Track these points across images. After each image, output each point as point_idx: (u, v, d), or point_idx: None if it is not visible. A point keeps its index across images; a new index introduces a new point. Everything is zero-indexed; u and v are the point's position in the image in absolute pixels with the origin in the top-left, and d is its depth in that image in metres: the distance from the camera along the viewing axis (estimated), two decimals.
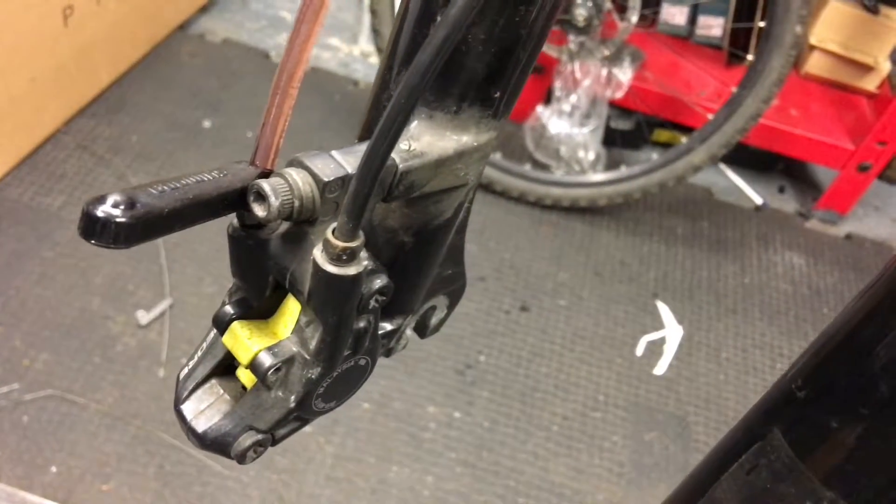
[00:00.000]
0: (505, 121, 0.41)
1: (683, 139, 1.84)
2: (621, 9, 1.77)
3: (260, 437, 0.42)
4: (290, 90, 0.35)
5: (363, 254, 0.36)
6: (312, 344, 0.39)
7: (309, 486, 1.29)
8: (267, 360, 0.39)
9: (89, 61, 1.81)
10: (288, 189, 0.35)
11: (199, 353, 0.43)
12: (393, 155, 0.36)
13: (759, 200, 2.08)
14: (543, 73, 1.91)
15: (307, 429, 1.35)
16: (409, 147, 0.38)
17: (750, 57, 1.92)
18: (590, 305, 1.70)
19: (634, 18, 1.76)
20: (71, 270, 1.51)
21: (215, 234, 1.64)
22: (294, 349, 0.40)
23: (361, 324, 0.40)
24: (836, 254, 1.97)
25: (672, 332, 1.68)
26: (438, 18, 0.36)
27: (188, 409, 0.42)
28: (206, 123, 1.90)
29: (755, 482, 0.34)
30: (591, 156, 1.92)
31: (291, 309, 0.40)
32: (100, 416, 1.32)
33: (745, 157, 2.12)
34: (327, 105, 2.05)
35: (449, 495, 1.33)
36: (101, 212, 0.31)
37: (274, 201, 0.34)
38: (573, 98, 1.89)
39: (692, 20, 2.08)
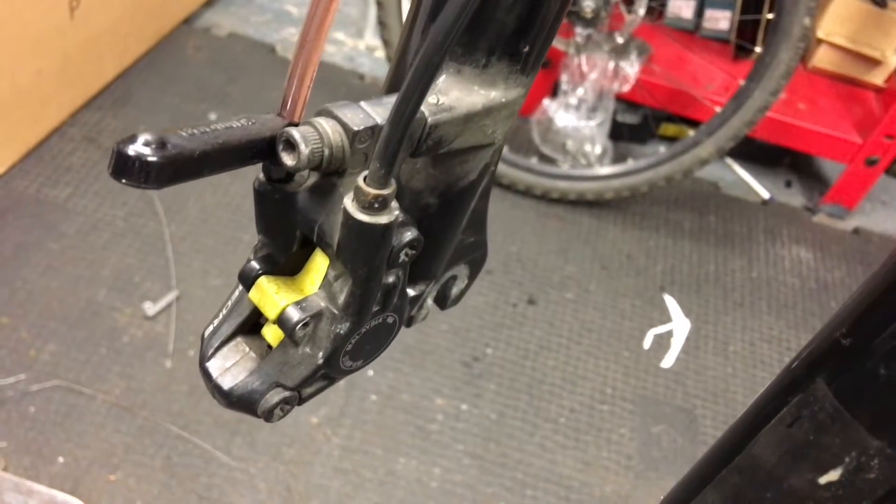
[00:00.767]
0: (533, 78, 0.40)
1: (691, 132, 1.84)
2: (629, 1, 1.77)
3: (287, 394, 0.41)
4: (318, 41, 0.35)
5: (394, 204, 0.35)
6: (341, 298, 0.39)
7: (316, 478, 1.29)
8: (295, 314, 0.39)
9: (95, 54, 1.81)
10: (318, 137, 0.34)
11: (225, 310, 0.43)
12: (421, 108, 0.35)
13: (766, 195, 2.08)
14: (550, 67, 1.91)
15: (314, 420, 1.35)
16: (438, 101, 0.37)
17: (758, 49, 1.91)
18: (597, 299, 1.69)
19: (642, 11, 1.76)
20: (77, 262, 1.51)
21: (222, 227, 1.63)
22: (322, 304, 0.39)
23: (390, 279, 0.39)
24: (843, 248, 1.97)
25: (679, 325, 1.67)
26: None
27: (214, 366, 0.42)
28: (212, 116, 1.90)
29: (797, 435, 0.33)
30: (598, 149, 1.91)
31: (318, 264, 0.40)
32: (107, 407, 1.32)
33: (752, 152, 2.11)
34: (333, 99, 2.02)
35: (456, 487, 1.32)
36: (132, 150, 0.30)
37: (304, 149, 0.34)
38: (580, 91, 1.88)
39: (699, 13, 2.07)
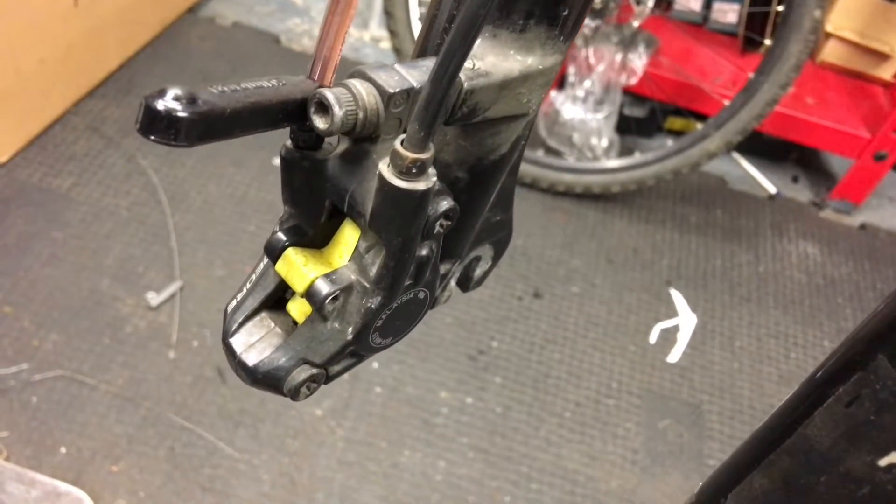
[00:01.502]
0: (569, 45, 0.39)
1: (698, 126, 1.82)
2: None
3: (314, 371, 0.40)
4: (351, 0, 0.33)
5: (432, 170, 0.33)
6: (373, 271, 0.37)
7: (321, 470, 1.28)
8: (324, 287, 0.37)
9: (99, 42, 1.80)
10: (352, 99, 0.33)
11: (249, 284, 0.41)
12: None
13: (772, 189, 2.06)
14: None
15: (318, 412, 1.34)
16: (474, 66, 0.35)
17: (767, 42, 1.90)
18: (603, 292, 1.68)
19: (650, 2, 1.74)
20: (80, 251, 1.50)
21: (227, 217, 1.62)
22: (353, 277, 0.38)
23: (424, 251, 0.38)
24: (850, 244, 1.95)
25: (686, 319, 1.66)
26: None
27: (237, 342, 0.40)
28: None
29: (856, 414, 0.31)
30: (605, 142, 1.90)
31: (348, 236, 0.38)
32: (109, 398, 1.31)
33: (759, 146, 2.10)
34: None
35: (461, 480, 1.31)
36: (161, 105, 0.29)
37: (338, 111, 0.32)
38: (587, 84, 1.87)
39: (707, 5, 2.06)
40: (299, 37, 2.17)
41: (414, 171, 0.32)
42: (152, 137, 0.29)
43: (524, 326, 1.57)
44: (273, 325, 0.41)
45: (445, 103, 0.33)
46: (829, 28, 2.03)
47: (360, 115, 0.33)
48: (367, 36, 2.25)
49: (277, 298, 0.41)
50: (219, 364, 1.38)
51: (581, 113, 1.87)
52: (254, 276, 0.41)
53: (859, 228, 2.01)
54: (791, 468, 0.35)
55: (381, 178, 0.33)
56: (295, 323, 0.41)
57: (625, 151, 1.96)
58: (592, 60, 1.83)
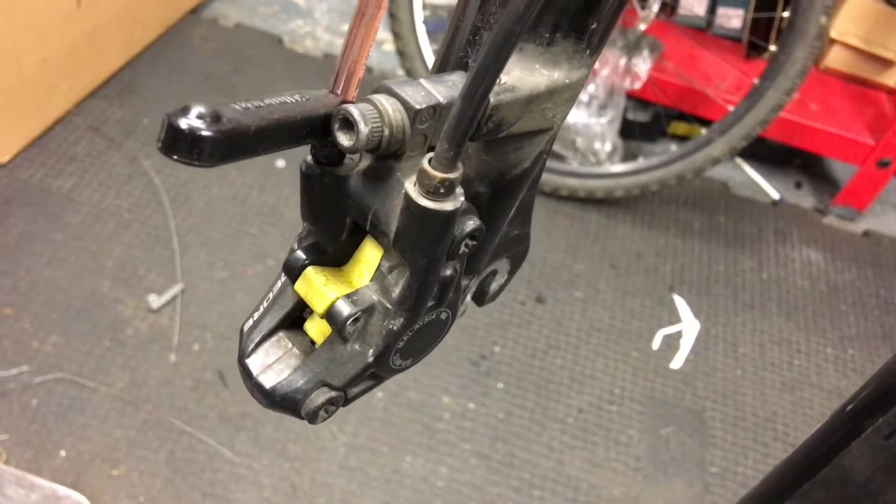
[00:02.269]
0: (597, 58, 0.38)
1: (702, 131, 1.82)
2: None
3: (333, 394, 0.38)
4: (378, 11, 0.32)
5: (459, 189, 0.32)
6: (396, 292, 0.36)
7: (322, 475, 1.27)
8: (346, 308, 0.36)
9: (102, 43, 1.79)
10: (377, 116, 0.32)
11: (266, 303, 0.40)
12: None
13: (775, 195, 2.06)
14: None
15: None
16: (500, 80, 0.34)
17: (771, 48, 1.89)
18: (606, 298, 1.67)
19: (655, 7, 1.74)
20: (81, 253, 1.49)
21: (229, 219, 1.61)
22: (374, 297, 0.37)
23: (448, 271, 0.37)
24: (853, 250, 1.95)
25: (689, 326, 1.66)
26: None
27: (254, 363, 0.39)
28: None
29: None
30: (608, 147, 1.89)
31: (369, 255, 0.37)
32: (110, 401, 1.30)
33: (762, 152, 2.09)
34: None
35: (463, 486, 1.30)
36: (185, 124, 0.28)
37: (363, 128, 0.31)
38: (591, 88, 1.86)
39: (712, 11, 2.05)
40: (302, 38, 2.16)
41: (442, 190, 0.32)
42: (175, 157, 0.28)
43: (527, 331, 1.56)
44: (290, 345, 0.40)
45: (475, 121, 0.32)
46: (833, 34, 2.02)
47: (386, 132, 0.32)
48: None
49: (295, 317, 0.40)
50: (220, 367, 1.37)
51: (585, 117, 1.87)
52: (271, 295, 0.40)
53: (862, 235, 2.00)
54: (826, 500, 0.34)
55: (408, 198, 0.32)
56: (313, 343, 0.40)
57: (628, 156, 1.95)
58: (596, 65, 1.82)
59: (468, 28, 0.36)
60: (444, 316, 0.40)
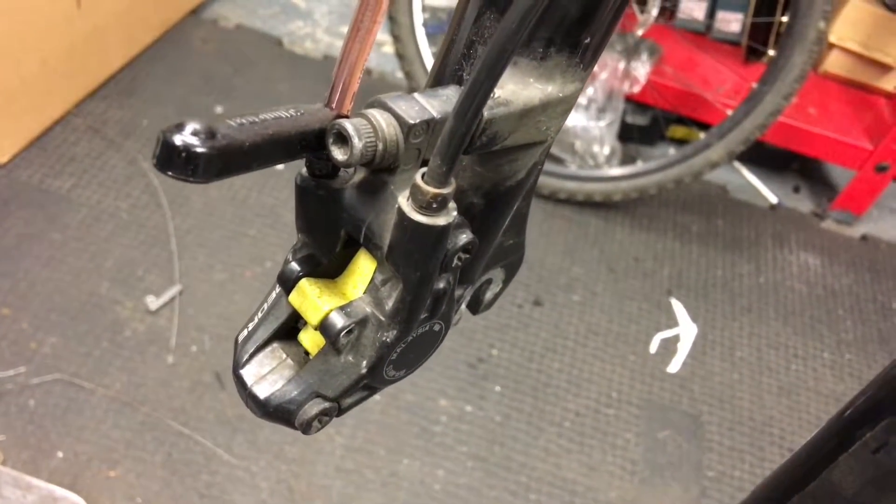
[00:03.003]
0: (590, 72, 0.38)
1: (701, 136, 1.82)
2: (642, 0, 1.75)
3: (326, 405, 0.39)
4: (373, 25, 0.33)
5: (452, 204, 0.33)
6: (389, 304, 0.36)
7: (319, 477, 1.27)
8: (339, 320, 0.36)
9: (101, 44, 1.79)
10: (371, 131, 0.32)
11: (260, 313, 0.40)
12: None
13: (774, 199, 2.06)
14: None
15: None
16: (494, 94, 0.35)
17: (770, 52, 1.89)
18: (603, 301, 1.68)
19: (655, 11, 1.74)
20: (80, 254, 1.49)
21: (227, 221, 1.62)
22: (368, 310, 0.37)
23: (441, 284, 0.37)
24: (851, 255, 1.95)
25: (686, 329, 1.66)
26: None
27: (248, 373, 0.40)
28: (218, 109, 1.88)
29: (884, 461, 0.31)
30: (607, 150, 1.89)
31: (362, 267, 0.38)
32: (107, 402, 1.30)
33: (760, 156, 2.09)
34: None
35: (460, 489, 1.31)
36: (179, 140, 0.28)
37: (357, 143, 0.32)
38: (589, 91, 1.86)
39: (711, 14, 2.05)
40: (301, 40, 2.16)
41: (435, 206, 0.32)
42: (170, 173, 0.29)
43: (524, 335, 1.57)
44: (285, 356, 0.40)
45: (468, 137, 0.33)
46: (832, 39, 2.02)
47: (380, 146, 0.32)
48: None
49: (290, 328, 0.41)
50: (217, 369, 1.37)
51: (583, 120, 1.87)
52: (265, 306, 0.40)
53: (860, 239, 2.01)
54: None
55: (401, 213, 0.33)
56: (307, 353, 0.40)
57: (627, 159, 1.96)
58: (595, 68, 1.83)
59: (463, 41, 0.37)
60: (437, 328, 0.41)
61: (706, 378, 1.58)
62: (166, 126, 0.28)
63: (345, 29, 2.25)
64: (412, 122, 0.33)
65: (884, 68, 2.04)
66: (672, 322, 1.67)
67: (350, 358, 0.38)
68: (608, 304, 1.67)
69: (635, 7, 1.75)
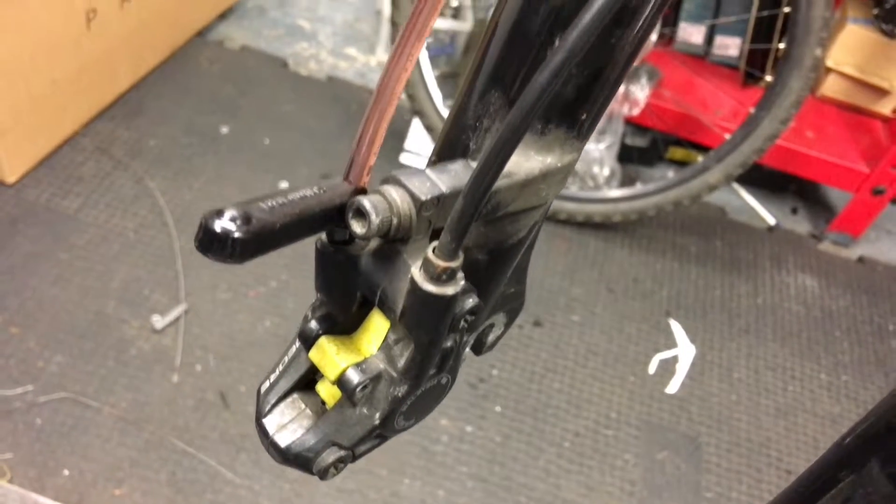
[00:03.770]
0: (587, 141, 0.41)
1: (699, 158, 1.84)
2: None
3: (342, 453, 0.42)
4: (388, 108, 0.36)
5: (460, 274, 0.36)
6: (401, 362, 0.39)
7: (320, 497, 1.29)
8: (355, 376, 0.39)
9: (110, 65, 1.82)
10: (387, 207, 0.35)
11: (281, 366, 0.43)
12: None
13: (772, 221, 2.08)
14: None
15: None
16: None
17: (768, 78, 1.92)
18: (603, 322, 1.70)
19: (654, 36, 1.77)
20: (87, 273, 1.52)
21: None
22: (381, 366, 0.40)
23: (449, 343, 0.40)
24: (848, 276, 1.97)
25: (685, 350, 1.68)
26: (537, 37, 0.37)
27: (270, 422, 0.42)
28: (224, 129, 1.91)
29: None
30: (606, 172, 1.92)
31: (376, 325, 0.41)
32: (113, 420, 1.32)
33: (759, 178, 2.12)
34: (344, 114, 2.05)
35: None
36: (219, 227, 0.31)
37: (374, 218, 0.35)
38: None
39: (709, 39, 2.08)
40: (306, 61, 2.19)
41: (444, 277, 0.35)
42: (210, 255, 0.32)
43: (524, 355, 1.59)
44: (304, 406, 0.43)
45: (476, 216, 0.36)
46: (829, 63, 2.05)
47: (395, 220, 0.35)
48: (373, 61, 2.28)
49: (308, 379, 0.44)
50: (221, 388, 1.39)
51: None
52: (286, 359, 0.43)
53: (857, 261, 2.03)
54: None
55: (413, 283, 0.35)
56: (324, 403, 0.43)
57: (626, 181, 1.98)
58: None
59: (470, 114, 0.40)
60: (444, 380, 0.44)
61: (704, 399, 1.59)
62: (206, 212, 0.31)
63: (349, 50, 2.29)
64: (424, 198, 0.36)
65: (880, 92, 2.07)
66: (671, 343, 1.69)
67: (364, 410, 0.41)
68: (607, 324, 1.69)
69: None
